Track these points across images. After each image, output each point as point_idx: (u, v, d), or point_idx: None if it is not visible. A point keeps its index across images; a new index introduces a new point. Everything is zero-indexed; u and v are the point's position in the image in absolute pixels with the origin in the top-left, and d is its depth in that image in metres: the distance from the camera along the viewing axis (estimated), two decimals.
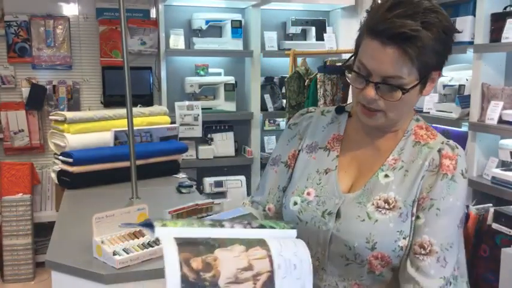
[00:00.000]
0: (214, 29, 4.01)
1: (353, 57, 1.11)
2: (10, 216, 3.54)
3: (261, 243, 0.85)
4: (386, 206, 1.08)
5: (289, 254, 0.86)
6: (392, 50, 0.99)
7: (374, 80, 1.03)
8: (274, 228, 0.92)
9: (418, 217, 1.07)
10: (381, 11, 1.01)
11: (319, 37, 4.09)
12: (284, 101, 3.91)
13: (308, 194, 1.16)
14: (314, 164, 1.19)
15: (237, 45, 3.95)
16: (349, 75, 1.10)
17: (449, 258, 1.06)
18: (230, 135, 4.03)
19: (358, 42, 1.08)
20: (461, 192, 1.08)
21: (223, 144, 4.00)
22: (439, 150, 1.10)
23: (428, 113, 3.05)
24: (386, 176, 1.11)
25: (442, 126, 2.93)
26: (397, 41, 0.99)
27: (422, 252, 1.05)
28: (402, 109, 1.08)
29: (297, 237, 1.13)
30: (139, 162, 2.37)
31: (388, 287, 1.12)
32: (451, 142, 1.13)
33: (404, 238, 1.07)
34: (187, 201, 1.96)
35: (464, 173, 1.09)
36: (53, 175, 2.68)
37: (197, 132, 3.78)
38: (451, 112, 2.90)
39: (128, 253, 1.61)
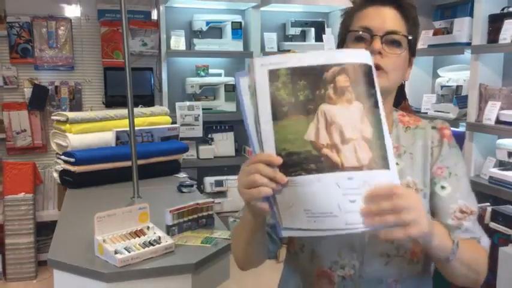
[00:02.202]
0: (214, 30, 4.03)
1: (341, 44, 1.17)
2: (13, 216, 3.56)
3: None
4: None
5: None
6: (390, 9, 1.11)
7: (379, 34, 1.09)
8: None
9: (442, 187, 1.12)
10: None
11: (319, 38, 4.10)
12: None
13: None
14: None
15: (237, 46, 3.97)
16: (352, 42, 1.13)
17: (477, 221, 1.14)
18: (230, 135, 4.05)
19: (347, 25, 1.15)
20: (462, 157, 1.17)
21: (223, 144, 4.02)
22: (434, 127, 1.17)
23: (426, 113, 3.07)
24: (396, 164, 1.12)
25: None
26: (392, 3, 1.11)
27: (465, 216, 1.10)
28: (400, 71, 1.13)
29: (326, 252, 1.12)
30: (140, 162, 2.38)
31: (420, 275, 1.14)
32: (438, 120, 1.22)
33: (431, 217, 1.10)
34: (188, 201, 1.98)
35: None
36: (55, 175, 2.70)
37: (198, 132, 3.80)
38: (449, 112, 2.92)
39: (129, 252, 1.61)
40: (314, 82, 0.84)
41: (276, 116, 0.85)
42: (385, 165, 0.84)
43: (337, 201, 0.82)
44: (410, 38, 1.11)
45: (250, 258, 1.16)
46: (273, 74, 0.85)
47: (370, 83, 0.85)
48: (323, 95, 0.84)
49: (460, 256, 0.98)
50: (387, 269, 1.10)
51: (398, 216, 0.81)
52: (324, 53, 0.85)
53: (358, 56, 0.86)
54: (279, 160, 0.84)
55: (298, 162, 0.84)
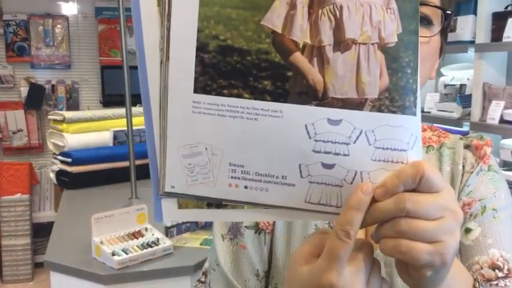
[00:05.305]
0: None
1: None
2: (9, 217, 3.53)
3: None
4: None
5: None
6: None
7: None
8: None
9: (468, 230, 0.74)
10: None
11: None
12: None
13: None
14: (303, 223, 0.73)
15: None
16: None
17: None
18: None
19: None
20: (507, 185, 0.79)
21: None
22: (467, 146, 0.80)
23: (430, 112, 3.05)
24: None
25: (443, 126, 2.92)
26: None
27: (500, 274, 0.70)
28: (429, 63, 0.75)
29: None
30: (138, 162, 2.37)
31: None
32: (473, 134, 0.86)
33: None
34: None
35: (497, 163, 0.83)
36: (52, 175, 2.68)
37: None
38: (452, 112, 2.90)
39: (127, 253, 1.60)
40: None
41: None
42: (409, 108, 0.47)
43: (300, 159, 0.46)
44: (448, 12, 0.70)
45: None
46: None
47: None
48: None
49: None
50: None
51: (419, 225, 0.45)
52: None
53: None
54: None
55: (238, 70, 0.45)
